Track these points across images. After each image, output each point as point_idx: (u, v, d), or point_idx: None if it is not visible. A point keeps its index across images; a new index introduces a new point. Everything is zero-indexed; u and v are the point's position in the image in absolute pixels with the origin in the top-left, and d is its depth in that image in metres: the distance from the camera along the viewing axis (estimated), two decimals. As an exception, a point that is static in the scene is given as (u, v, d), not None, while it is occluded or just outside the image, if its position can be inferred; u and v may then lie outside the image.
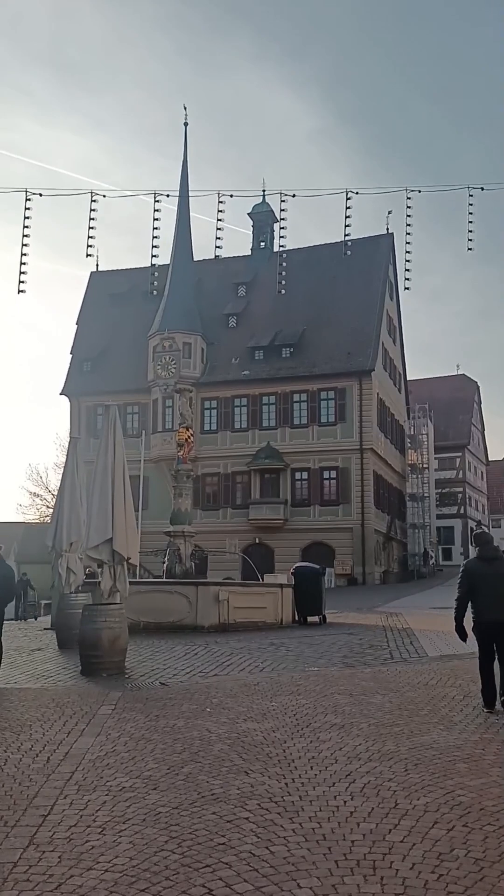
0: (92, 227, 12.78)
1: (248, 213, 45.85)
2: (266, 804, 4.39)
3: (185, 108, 48.43)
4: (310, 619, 15.81)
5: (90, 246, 13.09)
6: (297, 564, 16.65)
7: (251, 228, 45.91)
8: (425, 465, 47.13)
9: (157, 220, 13.23)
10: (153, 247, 13.65)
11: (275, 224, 45.28)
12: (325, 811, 4.26)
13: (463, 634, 7.21)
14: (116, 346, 42.90)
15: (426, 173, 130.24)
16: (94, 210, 12.59)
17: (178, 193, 42.37)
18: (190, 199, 42.91)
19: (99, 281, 47.48)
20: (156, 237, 13.51)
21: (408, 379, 49.80)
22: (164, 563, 16.35)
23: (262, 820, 4.14)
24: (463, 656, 10.26)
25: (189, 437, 16.53)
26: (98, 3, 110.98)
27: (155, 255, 13.72)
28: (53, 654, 11.37)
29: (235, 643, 12.13)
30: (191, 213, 43.18)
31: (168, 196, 12.70)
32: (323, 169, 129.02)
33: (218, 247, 13.65)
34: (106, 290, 46.16)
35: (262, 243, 45.45)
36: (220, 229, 13.51)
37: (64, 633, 11.76)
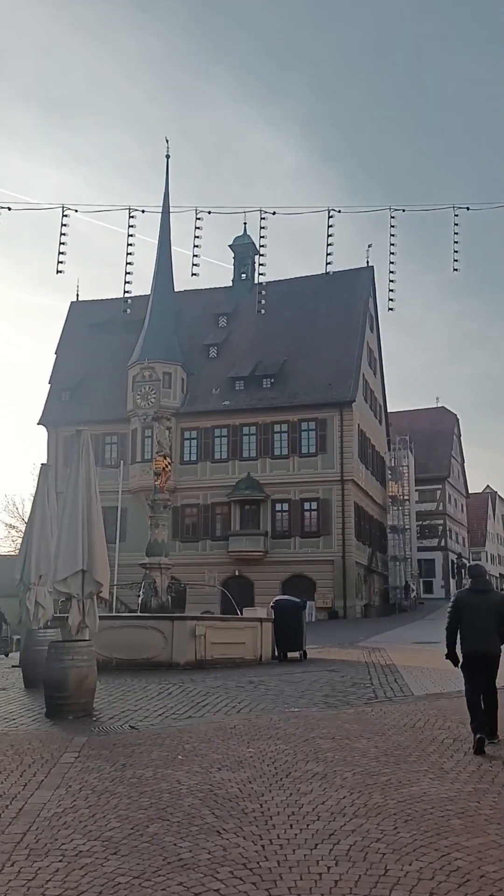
0: (63, 243, 12.44)
1: (230, 245, 46.04)
2: (240, 871, 3.89)
3: (167, 141, 48.79)
4: (290, 654, 15.25)
5: (61, 262, 12.73)
6: (277, 598, 16.13)
7: (232, 260, 45.98)
8: (406, 497, 46.90)
9: (131, 236, 12.92)
10: (127, 264, 13.32)
11: (255, 256, 45.58)
12: (306, 879, 3.77)
13: (455, 660, 7.20)
14: (95, 376, 42.47)
15: (405, 201, 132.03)
16: (65, 226, 12.26)
17: (159, 211, 42.52)
18: (171, 230, 43.08)
19: (79, 311, 47.21)
20: (129, 261, 13.19)
21: (388, 411, 49.79)
22: (139, 596, 15.75)
23: (235, 892, 3.64)
24: (451, 694, 9.80)
25: (167, 466, 16.06)
26: (80, 41, 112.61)
27: (129, 276, 13.32)
28: (18, 693, 10.74)
29: (212, 681, 11.56)
30: (171, 244, 43.13)
31: (143, 212, 12.28)
32: (304, 204, 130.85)
33: (195, 264, 13.33)
34: (86, 320, 45.87)
35: (244, 275, 45.50)
36: (197, 246, 13.21)
37: (31, 671, 11.13)
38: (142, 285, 45.42)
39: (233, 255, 45.84)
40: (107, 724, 8.13)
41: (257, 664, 14.30)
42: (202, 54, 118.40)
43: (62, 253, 12.62)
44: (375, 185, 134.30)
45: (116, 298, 47.49)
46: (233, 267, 45.85)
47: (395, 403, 77.08)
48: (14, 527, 51.59)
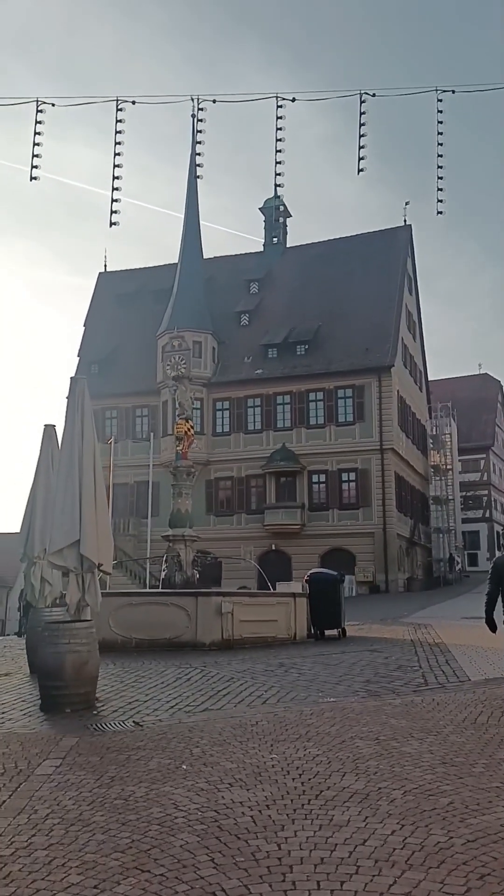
0: (38, 134, 11.17)
1: (260, 208, 44.30)
2: None
3: (192, 99, 46.59)
4: (327, 632, 13.94)
5: (36, 156, 11.42)
6: (313, 571, 14.79)
7: (262, 224, 44.21)
8: (449, 467, 45.04)
9: (119, 133, 11.46)
10: (116, 167, 11.83)
11: (287, 219, 43.84)
12: None
13: (493, 626, 7.47)
14: (125, 348, 41.37)
15: (437, 176, 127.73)
16: (39, 123, 11.01)
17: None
18: (199, 195, 41.50)
19: (107, 282, 46.10)
20: (117, 164, 11.76)
21: (429, 378, 47.78)
22: (162, 571, 14.56)
23: None
24: (513, 680, 8.37)
25: (189, 430, 14.76)
26: (106, 14, 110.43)
27: (118, 181, 11.88)
28: (21, 680, 9.60)
29: (238, 664, 10.30)
30: (199, 209, 41.50)
31: (134, 103, 10.88)
32: (333, 173, 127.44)
33: (199, 165, 11.83)
34: (114, 291, 44.75)
35: (275, 238, 43.83)
36: (199, 143, 11.76)
37: (35, 655, 9.97)
38: (170, 255, 44.09)
39: (263, 218, 44.07)
40: (107, 720, 6.90)
41: (291, 643, 13.02)
42: (229, 23, 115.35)
43: (36, 155, 11.31)
44: (406, 153, 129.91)
45: (144, 268, 46.60)
46: (263, 231, 44.12)
47: (436, 373, 74.57)
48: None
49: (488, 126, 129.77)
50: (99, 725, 6.61)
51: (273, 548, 35.95)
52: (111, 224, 11.43)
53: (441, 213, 10.80)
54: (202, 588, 15.12)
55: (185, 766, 5.18)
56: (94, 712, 7.23)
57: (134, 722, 6.75)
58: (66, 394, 8.33)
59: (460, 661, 10.19)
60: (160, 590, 14.29)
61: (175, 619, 12.27)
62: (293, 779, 4.84)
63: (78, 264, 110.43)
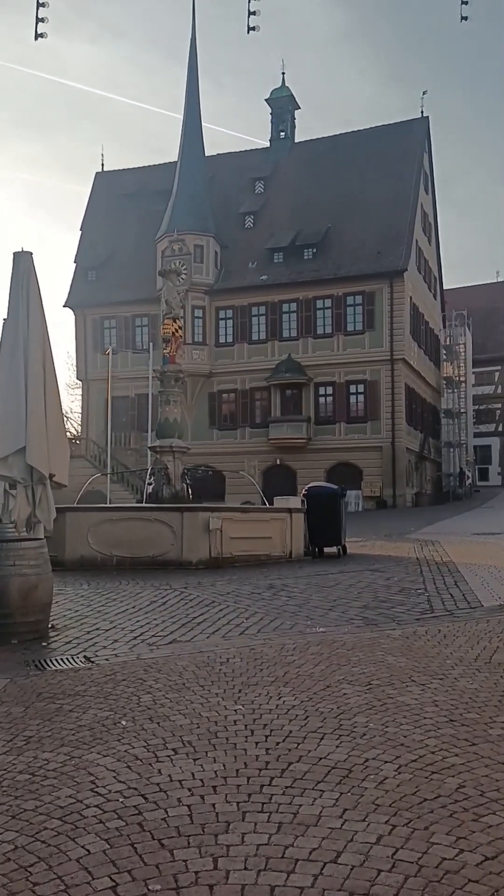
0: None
1: (266, 100, 41.21)
2: None
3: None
4: (326, 550, 12.95)
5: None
6: (311, 485, 13.68)
7: (269, 117, 41.18)
8: (462, 379, 43.47)
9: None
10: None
11: (296, 111, 40.82)
12: None
13: None
14: (123, 253, 39.30)
15: (456, 75, 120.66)
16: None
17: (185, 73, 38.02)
18: (199, 87, 38.52)
19: (104, 182, 43.51)
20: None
21: (443, 287, 45.56)
22: (148, 484, 13.48)
23: None
24: (532, 607, 7.29)
25: (177, 331, 13.37)
26: None
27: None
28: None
29: (223, 586, 9.30)
30: (200, 101, 38.53)
31: None
32: (349, 72, 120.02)
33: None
34: (113, 191, 42.23)
35: (283, 133, 40.92)
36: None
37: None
38: (170, 154, 41.35)
39: (270, 110, 41.03)
40: (55, 654, 5.88)
41: (286, 562, 12.04)
42: None
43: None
44: (426, 44, 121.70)
45: (144, 167, 43.89)
46: (270, 124, 41.15)
47: (451, 283, 71.86)
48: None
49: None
50: (41, 662, 5.59)
51: (278, 462, 34.96)
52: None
53: (465, 18, 9.00)
54: (196, 503, 14.11)
55: (124, 722, 4.13)
56: (44, 644, 6.22)
57: (84, 657, 5.72)
58: (10, 272, 6.94)
59: (471, 582, 9.15)
60: (143, 504, 13.25)
61: (159, 536, 11.26)
62: (256, 743, 3.76)
63: (76, 168, 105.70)
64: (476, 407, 50.03)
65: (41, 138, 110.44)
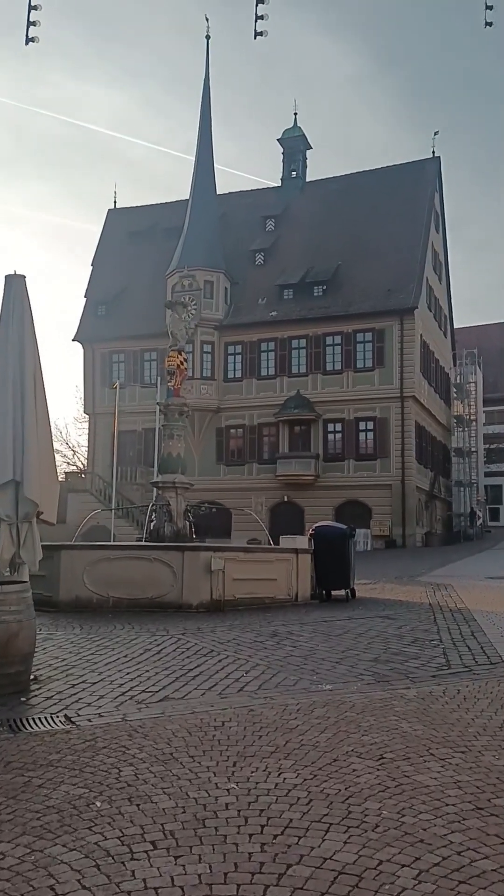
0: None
1: (278, 139, 41.54)
2: None
3: (206, 19, 43.88)
4: (334, 593, 12.36)
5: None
6: (319, 524, 13.13)
7: (281, 156, 41.48)
8: (473, 418, 43.02)
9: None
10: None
11: (308, 151, 41.14)
12: None
13: None
14: (134, 288, 39.34)
15: (468, 117, 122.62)
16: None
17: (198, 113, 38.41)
18: (213, 125, 38.91)
19: (117, 219, 43.85)
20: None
21: (454, 325, 45.34)
22: (150, 521, 12.97)
23: None
24: None
25: (181, 363, 12.98)
26: None
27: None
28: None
29: (224, 632, 8.73)
30: (213, 139, 38.87)
31: None
32: (361, 112, 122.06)
33: None
34: (124, 229, 42.51)
35: (294, 172, 41.20)
36: None
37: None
38: (182, 192, 41.59)
39: (282, 150, 41.37)
40: (34, 711, 5.33)
41: (291, 605, 11.45)
42: None
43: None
44: (437, 90, 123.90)
45: (156, 205, 44.21)
46: (282, 164, 41.42)
47: (462, 320, 71.82)
48: (58, 451, 49.90)
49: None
50: (16, 722, 5.03)
51: (285, 499, 34.41)
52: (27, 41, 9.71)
53: (490, 23, 8.69)
54: (199, 541, 13.59)
55: (98, 804, 3.57)
56: (23, 699, 5.67)
57: (65, 716, 5.17)
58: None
59: (488, 633, 8.54)
60: (143, 542, 12.72)
61: (159, 577, 10.72)
62: (250, 836, 3.20)
63: (92, 206, 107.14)
64: (487, 446, 49.47)
65: (59, 177, 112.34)
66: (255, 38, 9.83)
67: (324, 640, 8.17)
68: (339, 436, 34.20)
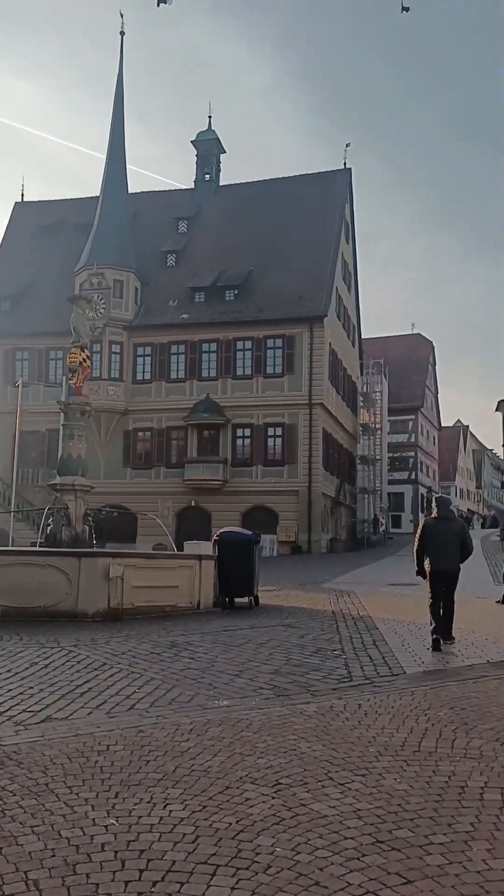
0: None
1: (192, 141, 41.19)
2: None
3: (121, 15, 43.14)
4: (237, 601, 12.07)
5: None
6: (224, 530, 12.82)
7: (195, 158, 41.14)
8: (378, 426, 43.85)
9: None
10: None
11: (222, 154, 41.01)
12: None
13: (424, 575, 8.48)
14: (40, 284, 37.98)
15: (379, 134, 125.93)
16: None
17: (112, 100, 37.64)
18: (125, 123, 38.18)
19: (24, 213, 42.37)
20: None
21: (362, 336, 46.14)
22: (48, 525, 12.31)
23: None
24: (460, 673, 6.63)
25: (84, 360, 12.43)
26: None
27: None
28: None
29: (119, 643, 8.28)
30: (125, 137, 38.13)
31: None
32: (277, 124, 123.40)
33: None
34: (32, 223, 41.09)
35: (207, 175, 40.90)
36: None
37: None
38: (94, 189, 40.60)
39: (195, 152, 41.03)
40: None
41: (193, 613, 11.10)
42: None
43: None
44: (349, 109, 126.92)
45: (65, 200, 42.99)
46: (195, 166, 41.08)
47: (369, 331, 73.49)
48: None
49: (433, 95, 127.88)
50: None
51: (193, 504, 33.93)
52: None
53: (406, 8, 8.57)
54: (99, 547, 13.03)
55: (-50, 852, 3.11)
56: None
57: None
58: None
59: (390, 642, 8.45)
60: (37, 548, 12.06)
61: (53, 584, 10.15)
62: (126, 884, 2.83)
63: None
64: (391, 454, 50.61)
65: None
66: (157, 5, 9.35)
67: (224, 651, 7.85)
68: (247, 441, 34.05)
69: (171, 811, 3.54)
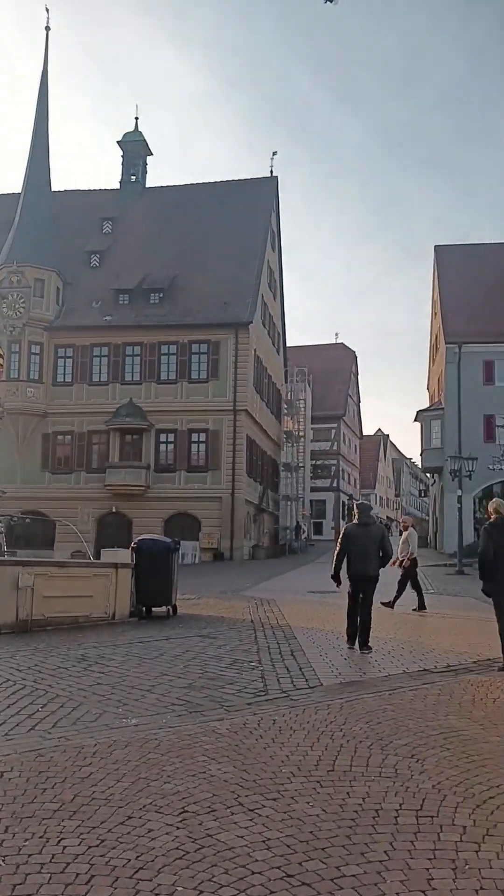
0: None
1: (118, 142, 40.64)
2: None
3: (47, 10, 42.03)
4: (155, 610, 11.74)
5: None
6: (141, 537, 12.45)
7: (120, 159, 40.56)
8: (301, 434, 44.18)
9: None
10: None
11: (149, 157, 40.60)
12: None
13: (338, 582, 8.74)
14: (-44, 281, 36.55)
15: (307, 145, 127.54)
16: None
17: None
18: (49, 116, 37.32)
19: None
20: None
21: (286, 344, 46.41)
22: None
23: None
24: (376, 684, 6.53)
25: (-3, 360, 11.85)
26: None
27: None
28: None
29: (26, 657, 7.85)
30: (49, 131, 37.19)
31: None
32: (204, 130, 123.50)
33: None
34: None
35: (133, 177, 40.45)
36: None
37: None
38: (15, 185, 39.48)
39: (122, 153, 40.46)
40: None
41: (107, 625, 10.69)
42: None
43: None
44: (278, 117, 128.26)
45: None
46: (121, 167, 40.50)
47: (294, 339, 74.16)
48: None
49: (357, 110, 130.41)
50: None
51: (114, 510, 33.27)
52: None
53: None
54: (11, 555, 12.47)
55: None
56: None
57: None
58: None
59: (308, 652, 8.31)
60: None
61: (-43, 595, 9.57)
62: (6, 939, 2.53)
63: None
64: (313, 462, 51.07)
65: None
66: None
67: (137, 665, 7.53)
68: (171, 446, 33.63)
69: (64, 847, 3.25)
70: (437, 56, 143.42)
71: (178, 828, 3.46)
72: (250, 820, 3.54)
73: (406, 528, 14.01)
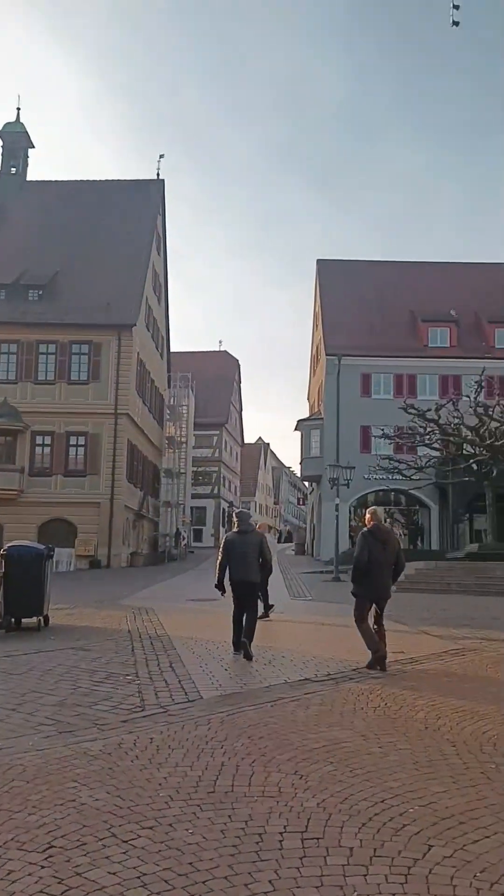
0: None
1: (-1, 131, 38.90)
2: None
3: None
4: (25, 621, 11.09)
5: None
6: (11, 544, 11.74)
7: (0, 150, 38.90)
8: (184, 440, 43.82)
9: None
10: None
11: (30, 149, 39.21)
12: None
13: (223, 590, 8.79)
14: None
15: (196, 158, 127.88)
16: None
17: None
18: None
19: None
20: None
21: (170, 349, 45.99)
22: None
23: None
24: (256, 695, 6.37)
25: None
26: None
27: None
28: None
29: None
30: None
31: None
32: (89, 132, 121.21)
33: None
34: None
35: (14, 168, 38.90)
36: None
37: None
38: None
39: (1, 143, 38.79)
40: None
41: (-28, 638, 9.98)
42: None
43: None
44: (165, 127, 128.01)
45: None
46: (0, 158, 38.81)
47: (178, 345, 73.77)
48: None
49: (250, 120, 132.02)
50: None
51: (-16, 515, 31.62)
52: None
53: None
54: None
55: None
56: None
57: None
58: None
59: (187, 663, 8.04)
60: None
61: None
62: None
63: None
64: (195, 468, 50.86)
65: None
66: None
67: (2, 681, 7.00)
68: (47, 449, 32.38)
69: None
70: (322, 78, 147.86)
71: (42, 867, 3.11)
72: (124, 853, 3.24)
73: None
